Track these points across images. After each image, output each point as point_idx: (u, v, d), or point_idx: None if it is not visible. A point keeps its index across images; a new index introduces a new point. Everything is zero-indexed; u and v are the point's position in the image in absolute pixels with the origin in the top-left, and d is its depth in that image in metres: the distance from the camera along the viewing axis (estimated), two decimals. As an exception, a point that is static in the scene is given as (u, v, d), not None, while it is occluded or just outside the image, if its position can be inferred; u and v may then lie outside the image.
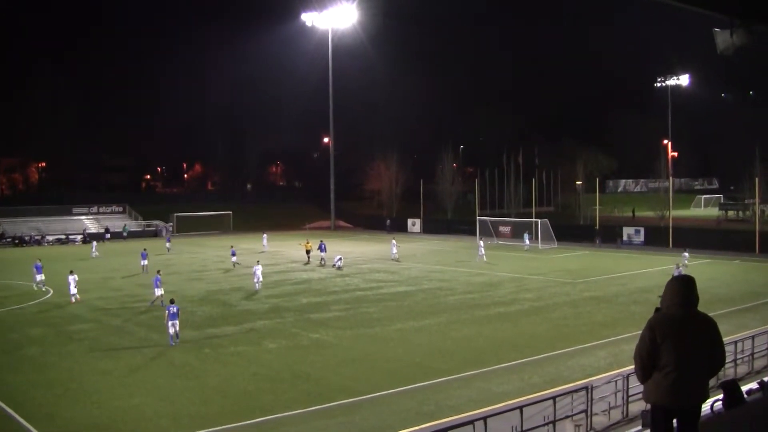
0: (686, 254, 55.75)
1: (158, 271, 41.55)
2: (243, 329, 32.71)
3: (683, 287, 7.79)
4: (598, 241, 74.10)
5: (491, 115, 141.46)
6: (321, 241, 61.38)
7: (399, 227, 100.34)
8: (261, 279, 44.91)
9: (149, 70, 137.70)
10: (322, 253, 58.84)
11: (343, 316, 35.57)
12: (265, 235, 73.29)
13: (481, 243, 63.18)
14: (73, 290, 41.11)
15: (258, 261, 48.58)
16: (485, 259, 59.15)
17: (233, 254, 59.96)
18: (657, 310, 7.89)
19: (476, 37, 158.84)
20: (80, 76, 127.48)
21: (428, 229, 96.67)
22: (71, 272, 42.32)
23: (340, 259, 56.98)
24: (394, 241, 64.54)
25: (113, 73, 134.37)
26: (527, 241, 71.27)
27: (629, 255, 64.44)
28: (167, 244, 73.96)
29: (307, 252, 59.91)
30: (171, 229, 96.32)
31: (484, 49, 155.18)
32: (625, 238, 74.69)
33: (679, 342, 7.64)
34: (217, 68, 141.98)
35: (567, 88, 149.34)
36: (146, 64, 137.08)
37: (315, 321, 34.32)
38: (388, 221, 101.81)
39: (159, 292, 38.90)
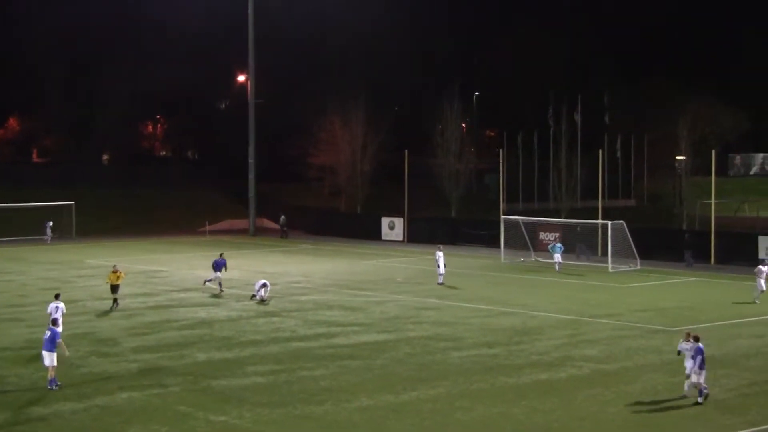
0: None
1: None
2: (90, 408, 24.98)
3: None
4: (688, 258, 53.79)
5: (528, 38, 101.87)
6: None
7: (363, 231, 70.03)
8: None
9: None
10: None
11: (268, 383, 28.20)
12: None
13: (765, 271, 40.65)
14: None
15: (57, 295, 31.09)
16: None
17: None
18: None
19: None
20: None
21: (417, 234, 67.33)
22: None
23: (265, 286, 41.65)
24: (440, 254, 45.80)
25: None
26: (559, 258, 50.87)
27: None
28: None
29: (114, 289, 38.13)
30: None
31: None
32: (763, 254, 55.45)
33: None
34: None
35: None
36: None
37: (219, 392, 27.16)
38: (282, 217, 71.34)
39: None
